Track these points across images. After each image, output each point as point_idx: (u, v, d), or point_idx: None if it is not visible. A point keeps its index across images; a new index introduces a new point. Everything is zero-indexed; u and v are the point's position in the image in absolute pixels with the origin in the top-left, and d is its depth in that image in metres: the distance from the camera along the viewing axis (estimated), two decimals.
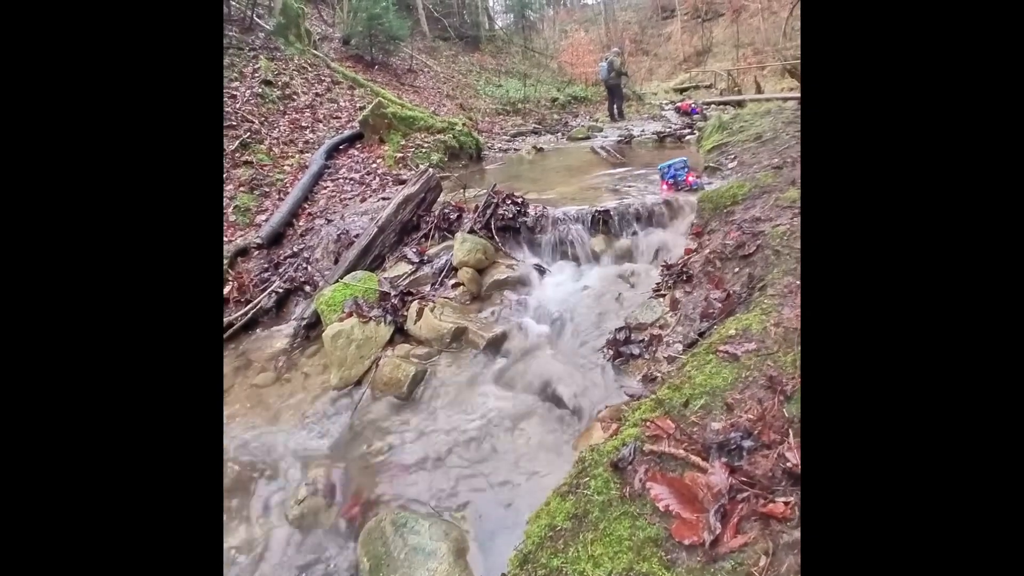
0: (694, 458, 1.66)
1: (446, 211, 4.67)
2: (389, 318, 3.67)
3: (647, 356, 2.91)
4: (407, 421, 3.21)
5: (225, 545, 2.58)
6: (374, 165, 6.57)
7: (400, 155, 6.87)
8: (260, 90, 8.60)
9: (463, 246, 4.16)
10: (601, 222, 4.39)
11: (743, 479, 1.54)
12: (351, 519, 2.67)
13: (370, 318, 3.62)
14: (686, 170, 4.90)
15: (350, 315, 3.66)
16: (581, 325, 3.59)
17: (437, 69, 15.58)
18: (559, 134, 11.23)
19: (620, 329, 3.09)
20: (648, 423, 1.84)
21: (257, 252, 5.16)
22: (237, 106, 7.92)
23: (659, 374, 2.63)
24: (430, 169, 5.14)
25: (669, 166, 4.91)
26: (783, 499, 1.46)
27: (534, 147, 9.16)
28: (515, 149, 9.53)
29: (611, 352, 3.02)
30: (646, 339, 3.00)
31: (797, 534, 1.35)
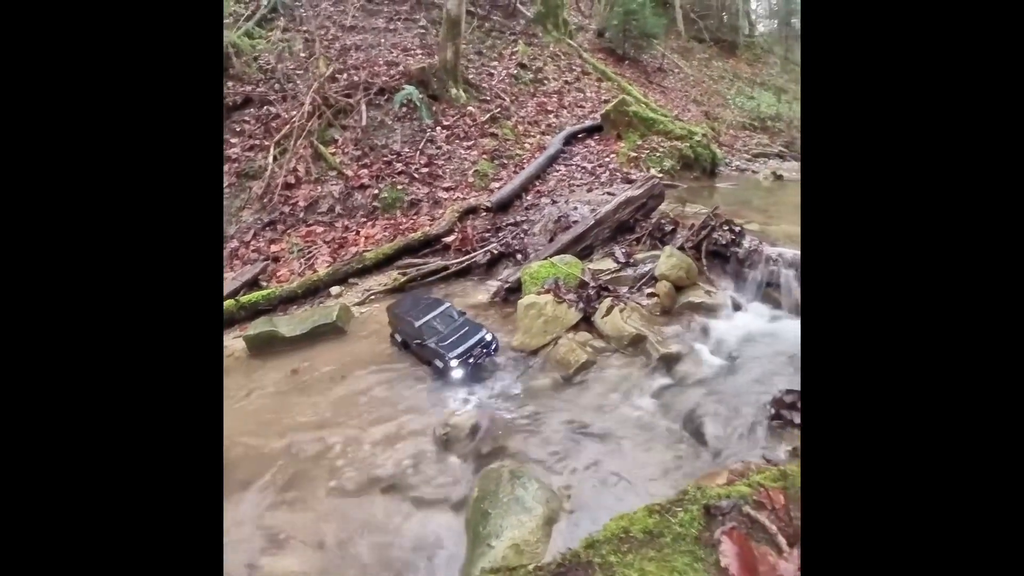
0: (781, 539, 1.68)
1: (662, 222, 4.85)
2: (580, 305, 4.05)
3: None
4: (561, 398, 3.54)
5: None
6: (607, 159, 6.96)
7: (634, 154, 7.14)
8: (515, 71, 9.52)
9: (668, 260, 4.31)
10: None
11: None
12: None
13: (564, 300, 4.04)
14: None
15: (548, 292, 4.11)
16: (754, 373, 3.57)
17: (688, 71, 15.08)
18: None
19: (789, 391, 3.03)
20: (762, 490, 1.87)
21: (485, 214, 5.94)
22: (493, 83, 8.90)
23: None
24: (655, 176, 5.35)
25: None
26: None
27: (773, 173, 8.64)
28: (753, 171, 9.07)
29: (772, 411, 3.01)
30: None
31: None
